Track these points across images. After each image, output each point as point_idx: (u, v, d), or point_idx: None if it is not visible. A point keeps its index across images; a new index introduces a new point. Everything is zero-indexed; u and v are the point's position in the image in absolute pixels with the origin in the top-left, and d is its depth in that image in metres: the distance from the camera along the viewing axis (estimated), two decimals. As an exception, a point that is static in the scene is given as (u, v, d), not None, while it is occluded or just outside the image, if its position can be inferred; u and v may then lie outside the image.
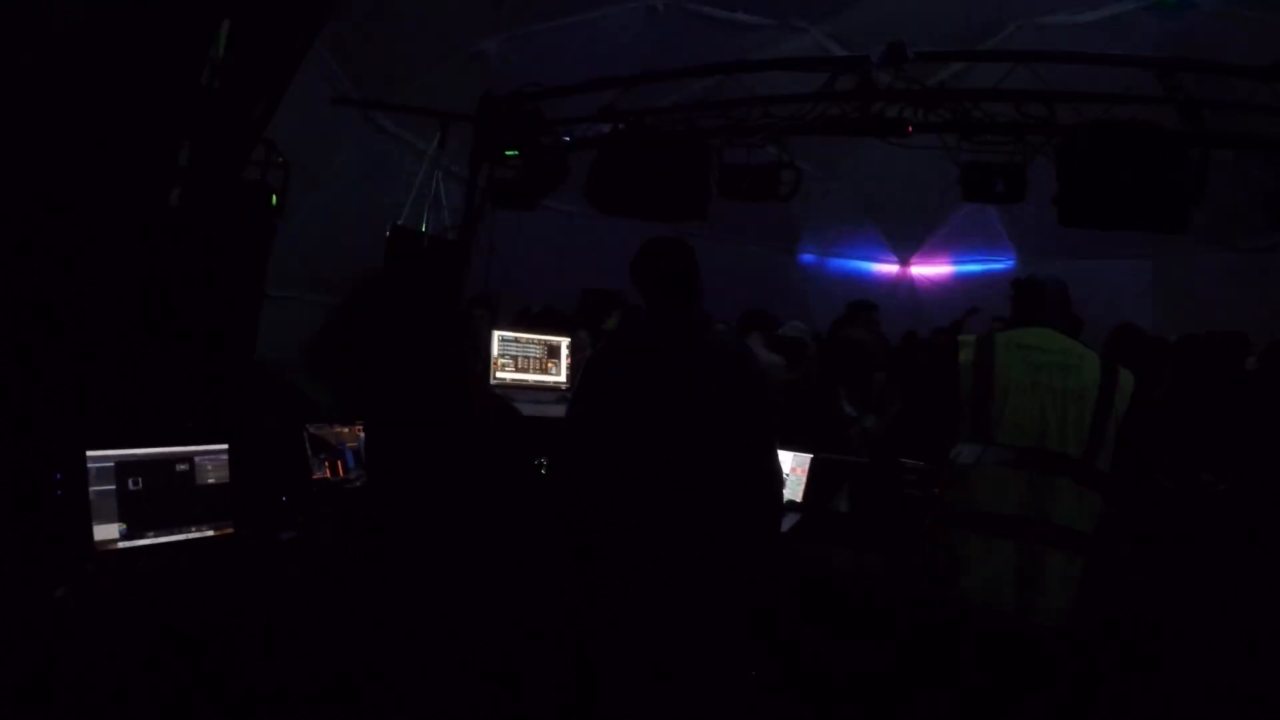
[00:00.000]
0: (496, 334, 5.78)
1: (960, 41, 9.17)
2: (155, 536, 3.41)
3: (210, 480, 3.66)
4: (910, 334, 8.83)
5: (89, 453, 3.29)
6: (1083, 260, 9.89)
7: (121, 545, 3.30)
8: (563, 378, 5.99)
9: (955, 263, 13.24)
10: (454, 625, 3.50)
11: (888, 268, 14.22)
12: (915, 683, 3.47)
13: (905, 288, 13.89)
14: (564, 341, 6.08)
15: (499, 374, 5.68)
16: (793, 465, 4.99)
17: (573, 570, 3.39)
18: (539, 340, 5.97)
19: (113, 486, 3.32)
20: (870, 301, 8.18)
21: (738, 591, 3.38)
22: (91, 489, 3.26)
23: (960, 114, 5.90)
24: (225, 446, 3.74)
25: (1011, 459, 3.33)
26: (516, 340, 5.83)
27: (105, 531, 3.27)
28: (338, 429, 4.52)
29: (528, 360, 5.85)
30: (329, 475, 4.39)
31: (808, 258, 14.41)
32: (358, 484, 4.44)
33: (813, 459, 4.99)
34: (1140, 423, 3.44)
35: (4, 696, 2.55)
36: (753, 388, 3.38)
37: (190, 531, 3.53)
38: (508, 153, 6.98)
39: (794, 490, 4.94)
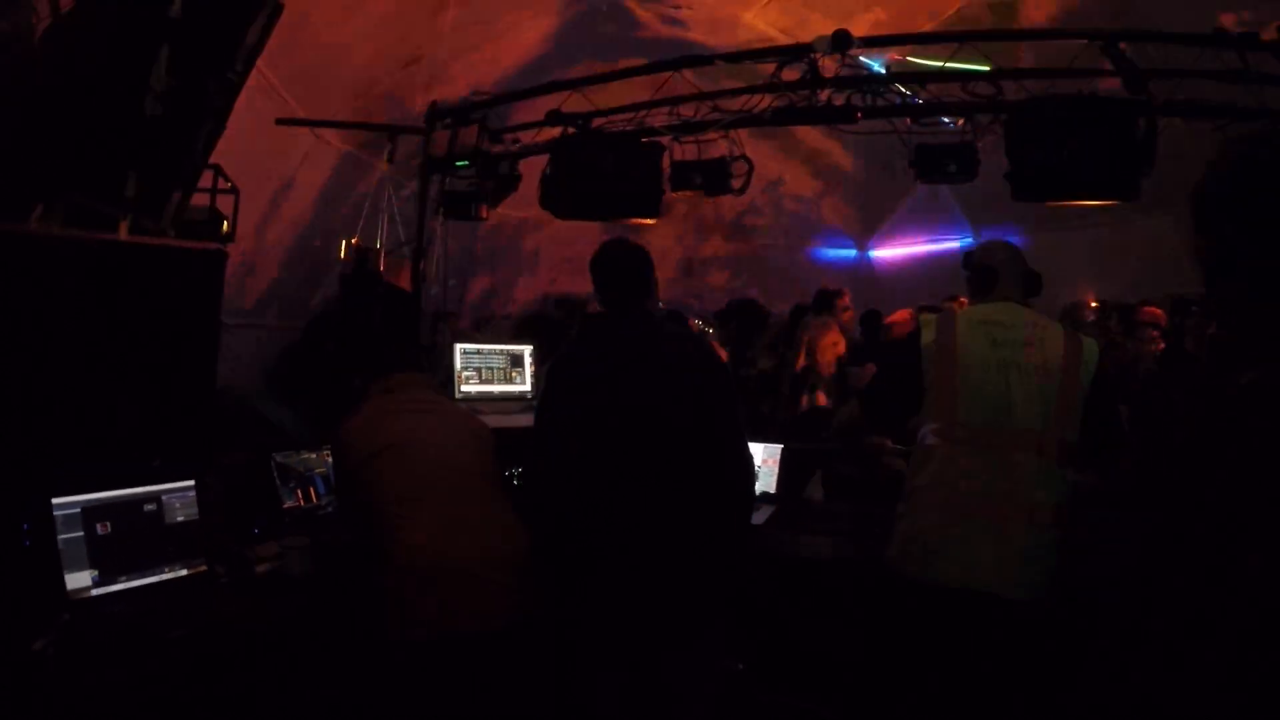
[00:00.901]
0: (458, 346, 5.74)
1: (903, 24, 9.20)
2: (129, 580, 3.37)
3: (180, 518, 3.61)
4: (871, 312, 8.85)
5: (54, 500, 3.23)
6: (1041, 233, 9.93)
7: (95, 592, 3.25)
8: (527, 386, 5.96)
9: (913, 244, 13.25)
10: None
11: (846, 252, 14.22)
12: (896, 667, 3.48)
13: (865, 271, 13.90)
14: (526, 350, 6.05)
15: (463, 387, 5.63)
16: (764, 457, 4.99)
17: (564, 571, 3.45)
18: (501, 350, 5.93)
19: (81, 533, 3.27)
20: (837, 289, 8.21)
21: (722, 582, 3.47)
22: (60, 537, 3.21)
23: (908, 97, 5.92)
24: (192, 483, 3.69)
25: (977, 437, 3.34)
26: (479, 352, 5.79)
27: (77, 580, 3.22)
28: (305, 455, 4.48)
29: (491, 371, 5.81)
30: (301, 503, 4.34)
31: (767, 245, 14.40)
32: (329, 510, 4.40)
33: (783, 449, 5.00)
34: (1106, 393, 3.45)
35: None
36: (723, 382, 3.55)
37: (164, 572, 3.49)
38: (458, 164, 6.92)
39: (766, 482, 4.94)
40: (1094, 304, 8.02)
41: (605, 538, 3.38)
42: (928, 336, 3.51)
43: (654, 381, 3.42)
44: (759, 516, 4.60)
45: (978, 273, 3.70)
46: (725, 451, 3.50)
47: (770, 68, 6.20)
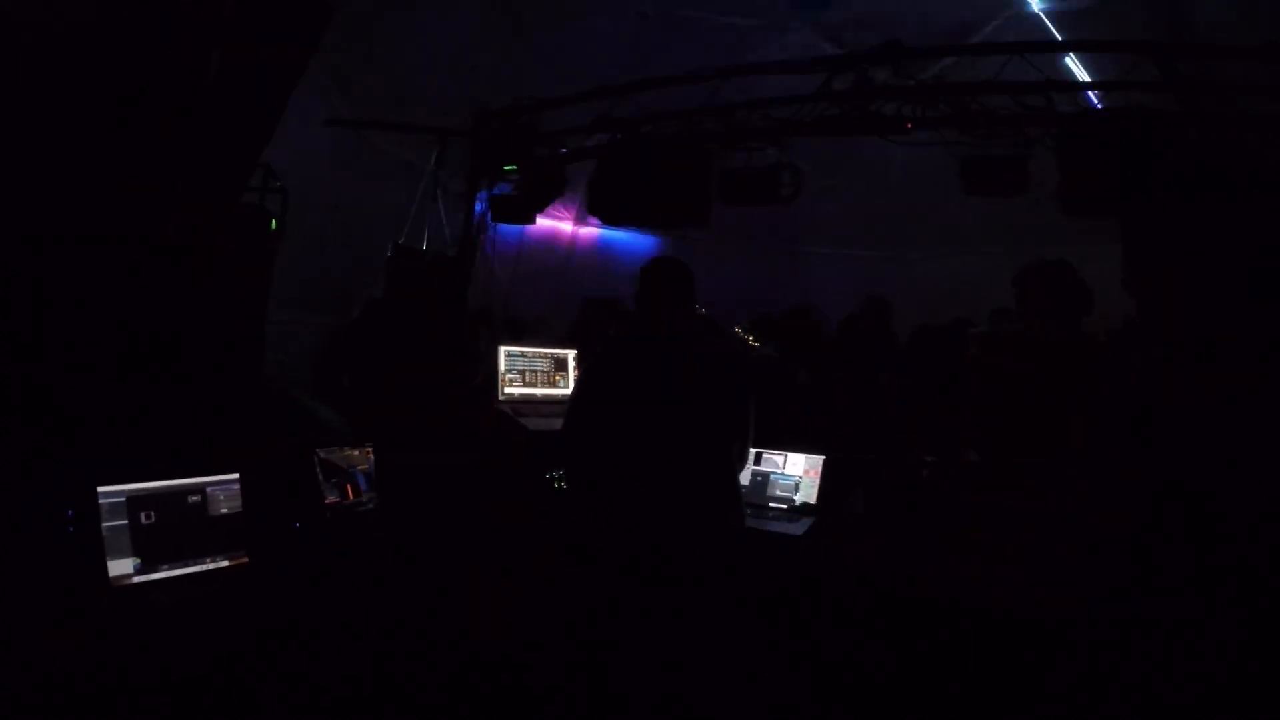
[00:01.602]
0: (503, 349, 5.74)
1: (950, 34, 9.14)
2: (170, 569, 3.39)
3: (223, 510, 3.64)
4: (921, 327, 8.77)
5: (100, 488, 3.26)
6: (1087, 245, 9.81)
7: (136, 580, 3.28)
8: (570, 390, 5.96)
9: (953, 255, 13.07)
10: (466, 645, 3.49)
11: (885, 261, 14.08)
12: (928, 683, 3.46)
13: (905, 281, 13.76)
14: (570, 354, 6.05)
15: (507, 389, 5.63)
16: (806, 467, 4.96)
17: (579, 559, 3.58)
18: (546, 354, 5.93)
19: (125, 521, 3.30)
20: (882, 297, 8.17)
21: (719, 579, 3.54)
22: (104, 524, 3.24)
23: (958, 108, 5.87)
24: (236, 476, 3.72)
25: (1018, 454, 3.31)
26: (523, 355, 5.80)
27: (120, 567, 3.25)
28: (348, 452, 4.50)
29: (535, 374, 5.81)
30: (341, 499, 4.37)
31: (807, 253, 14.33)
32: (370, 506, 4.42)
33: (825, 459, 4.96)
34: (1143, 411, 3.40)
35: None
36: (738, 389, 3.67)
37: (205, 563, 3.51)
38: (506, 167, 6.95)
39: (808, 492, 4.91)
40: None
41: (609, 529, 3.53)
42: (971, 352, 3.50)
43: (669, 382, 3.54)
44: (798, 527, 4.58)
45: (1023, 288, 3.67)
46: (730, 454, 3.65)
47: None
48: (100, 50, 4.12)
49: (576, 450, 3.74)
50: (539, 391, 5.78)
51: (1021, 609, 3.24)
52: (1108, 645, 3.19)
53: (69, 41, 3.97)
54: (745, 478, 4.70)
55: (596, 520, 3.55)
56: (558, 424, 3.84)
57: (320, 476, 4.32)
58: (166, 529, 3.43)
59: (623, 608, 3.49)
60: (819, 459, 4.98)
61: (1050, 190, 5.72)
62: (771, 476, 4.98)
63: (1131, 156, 5.34)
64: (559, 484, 4.43)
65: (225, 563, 3.58)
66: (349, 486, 4.41)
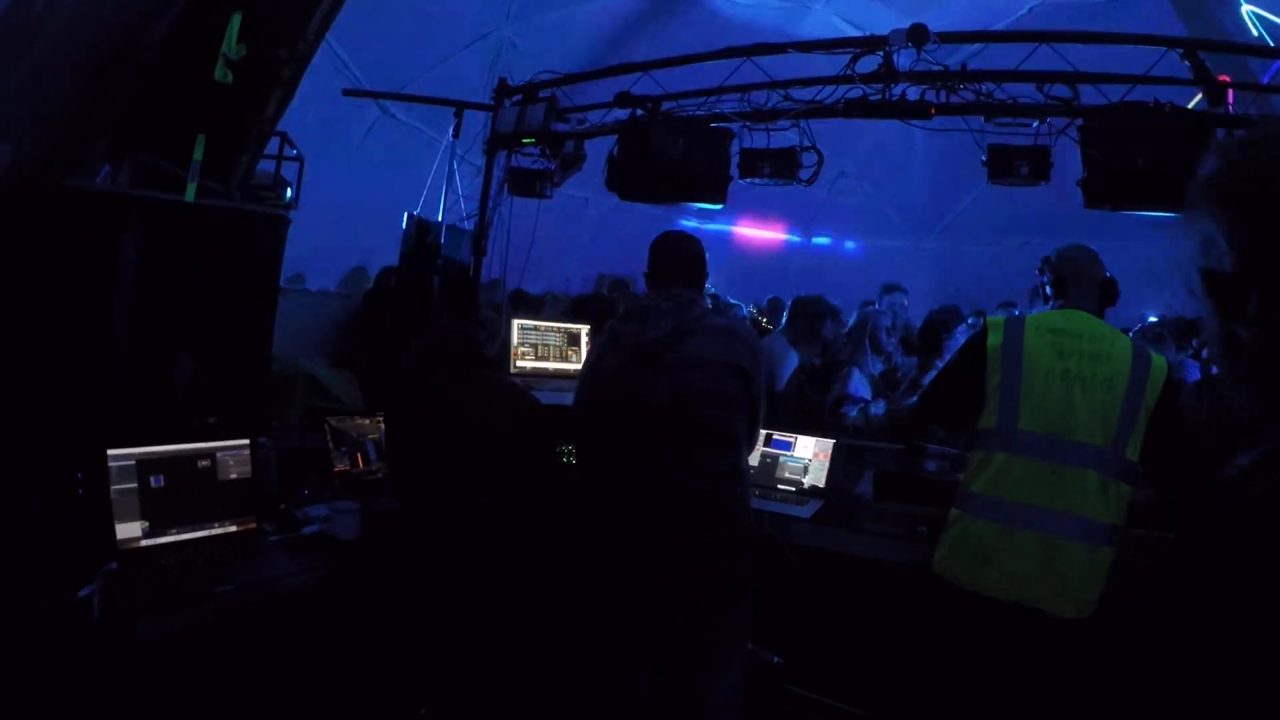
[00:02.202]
0: (516, 322, 5.74)
1: (975, 20, 9.07)
2: (178, 533, 3.41)
3: (232, 476, 3.65)
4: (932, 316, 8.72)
5: (110, 451, 3.27)
6: (1101, 240, 9.73)
7: (144, 543, 3.30)
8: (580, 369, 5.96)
9: (974, 242, 12.99)
10: (472, 618, 3.48)
11: (904, 247, 14.03)
12: (934, 673, 3.43)
13: (922, 267, 13.71)
14: (584, 329, 6.03)
15: (519, 363, 5.63)
16: (815, 451, 4.95)
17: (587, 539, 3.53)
18: (558, 328, 5.92)
19: (134, 485, 3.32)
20: (895, 285, 8.14)
21: (732, 563, 3.47)
22: (113, 488, 3.26)
23: (983, 96, 5.81)
24: (246, 442, 3.73)
25: (1037, 448, 3.26)
26: (536, 329, 5.79)
27: (128, 530, 3.27)
28: (358, 421, 4.51)
29: (548, 348, 5.80)
30: (350, 467, 4.37)
31: (823, 240, 14.28)
32: (379, 475, 4.42)
33: (835, 443, 4.95)
34: (1172, 412, 3.34)
35: (33, 697, 2.54)
36: (747, 372, 3.55)
37: (213, 528, 3.53)
38: (524, 140, 6.91)
39: (817, 476, 4.90)
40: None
41: (613, 515, 3.48)
42: (994, 340, 3.42)
43: (675, 372, 3.45)
44: (806, 510, 4.57)
45: (1052, 276, 3.61)
46: (738, 440, 3.57)
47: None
48: (120, 13, 4.10)
49: (579, 445, 3.71)
50: (550, 365, 5.77)
51: (1022, 608, 3.21)
52: (1108, 645, 3.16)
53: (90, 7, 3.96)
54: (755, 459, 4.70)
55: (599, 518, 3.51)
56: (568, 398, 3.81)
57: (330, 444, 4.32)
58: (175, 493, 3.44)
59: (624, 606, 3.47)
60: (829, 443, 4.96)
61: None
62: (781, 458, 4.97)
63: (1156, 151, 5.28)
64: (569, 458, 4.41)
65: (233, 528, 3.59)
66: (359, 455, 4.42)
